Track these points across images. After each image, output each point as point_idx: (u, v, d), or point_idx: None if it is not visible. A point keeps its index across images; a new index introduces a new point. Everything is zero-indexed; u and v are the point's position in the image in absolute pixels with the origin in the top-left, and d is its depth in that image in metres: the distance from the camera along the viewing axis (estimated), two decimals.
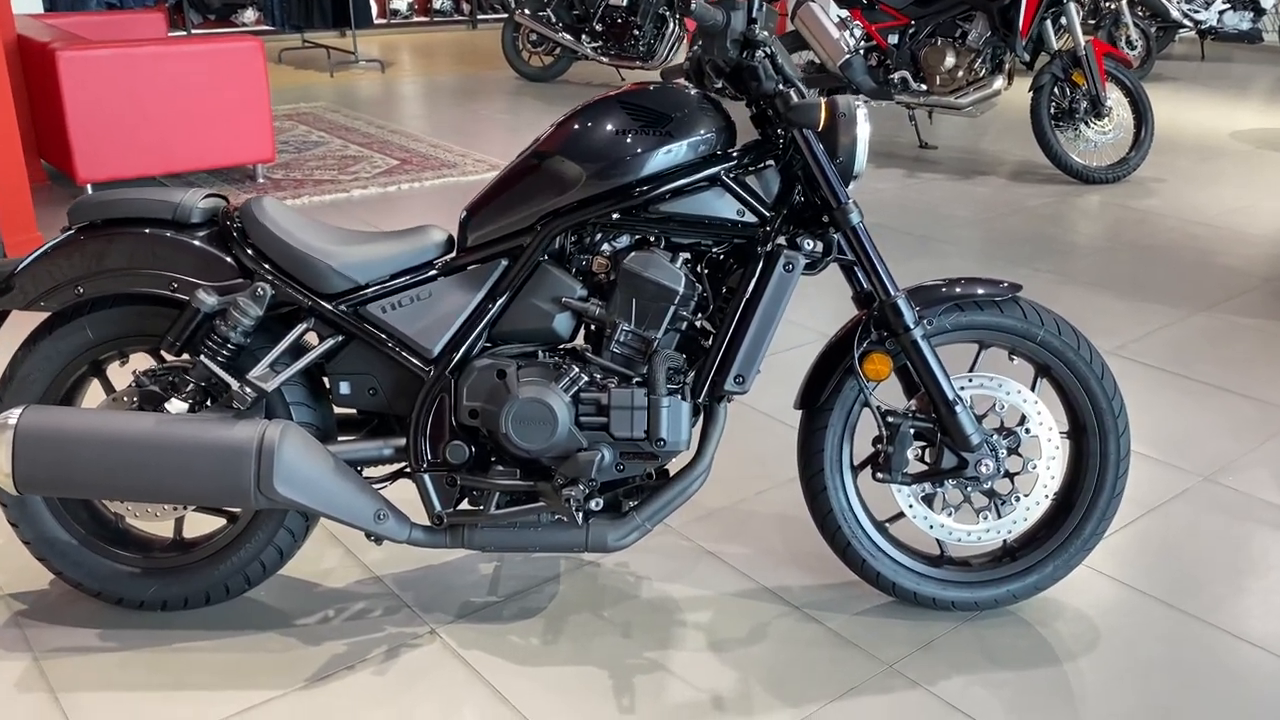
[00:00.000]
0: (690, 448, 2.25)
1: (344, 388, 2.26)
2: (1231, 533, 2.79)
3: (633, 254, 2.18)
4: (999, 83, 6.44)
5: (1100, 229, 5.45)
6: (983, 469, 2.29)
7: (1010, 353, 2.39)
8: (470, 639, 2.33)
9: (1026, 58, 6.41)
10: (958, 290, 2.30)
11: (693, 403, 2.20)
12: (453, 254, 2.27)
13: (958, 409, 2.25)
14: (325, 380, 2.29)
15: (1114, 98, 6.28)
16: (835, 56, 6.96)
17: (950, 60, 6.50)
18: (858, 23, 6.70)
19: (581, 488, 2.13)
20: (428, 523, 2.25)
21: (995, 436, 2.33)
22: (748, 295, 2.19)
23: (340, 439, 2.28)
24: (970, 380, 2.33)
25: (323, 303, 2.20)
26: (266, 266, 2.19)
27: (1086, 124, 6.29)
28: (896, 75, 6.63)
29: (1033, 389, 2.37)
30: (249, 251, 2.19)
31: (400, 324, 2.21)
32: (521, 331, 2.22)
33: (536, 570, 2.57)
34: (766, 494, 2.92)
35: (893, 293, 2.23)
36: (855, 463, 2.42)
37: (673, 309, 2.18)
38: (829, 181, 2.18)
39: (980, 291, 2.30)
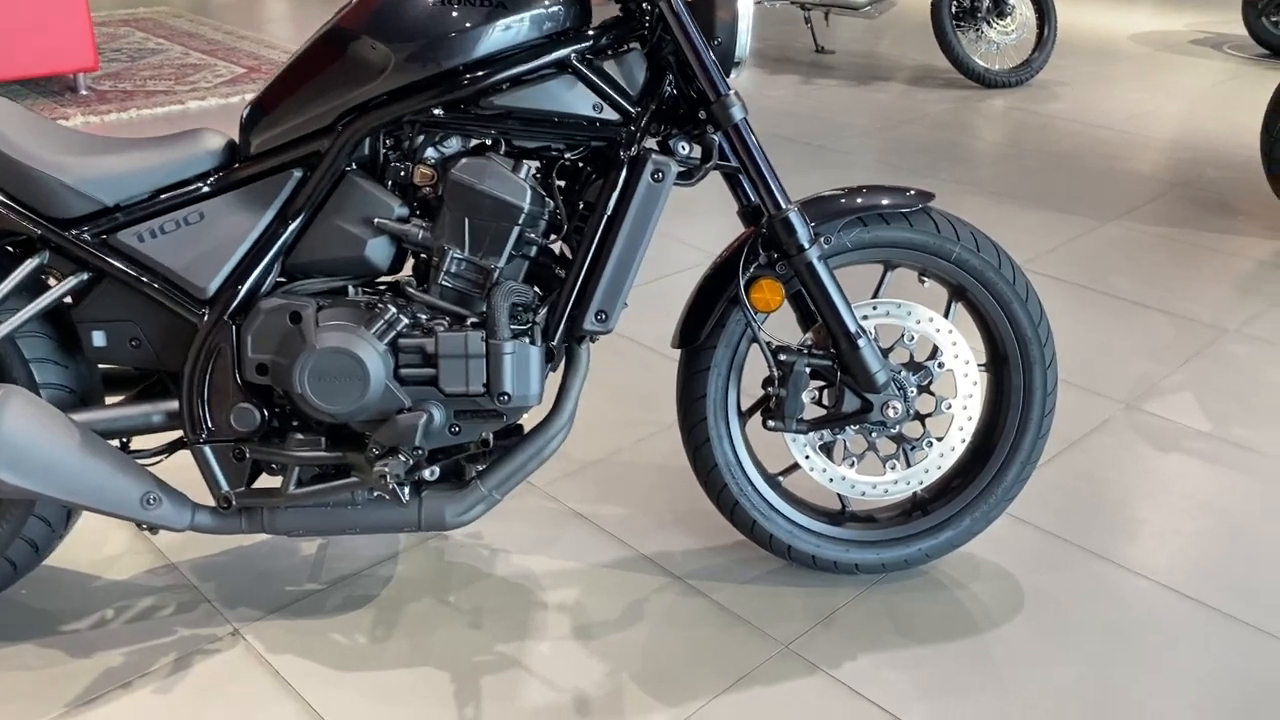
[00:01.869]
0: (546, 400, 1.85)
1: (98, 339, 1.78)
2: (1160, 468, 2.51)
3: (463, 161, 1.73)
4: None
5: (1003, 135, 5.15)
6: (890, 412, 1.94)
7: (921, 274, 2.03)
8: (281, 640, 1.91)
9: None
10: (859, 201, 1.92)
11: (545, 346, 1.78)
12: (235, 165, 1.79)
13: (860, 342, 1.89)
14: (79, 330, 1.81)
15: None
16: None
17: None
18: None
19: (403, 458, 1.71)
20: (215, 504, 1.80)
21: (904, 373, 1.98)
22: (609, 212, 1.77)
23: (110, 404, 1.81)
24: (875, 308, 1.97)
25: (59, 231, 1.70)
26: None
27: (989, 24, 5.96)
28: None
29: (946, 316, 2.02)
30: None
31: (163, 256, 1.73)
32: (325, 263, 1.77)
33: (371, 549, 2.16)
34: (648, 442, 2.54)
35: (783, 205, 1.84)
36: (743, 409, 2.05)
37: (517, 230, 1.75)
38: (705, 68, 1.76)
39: (885, 202, 1.92)
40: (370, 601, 2.01)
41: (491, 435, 1.84)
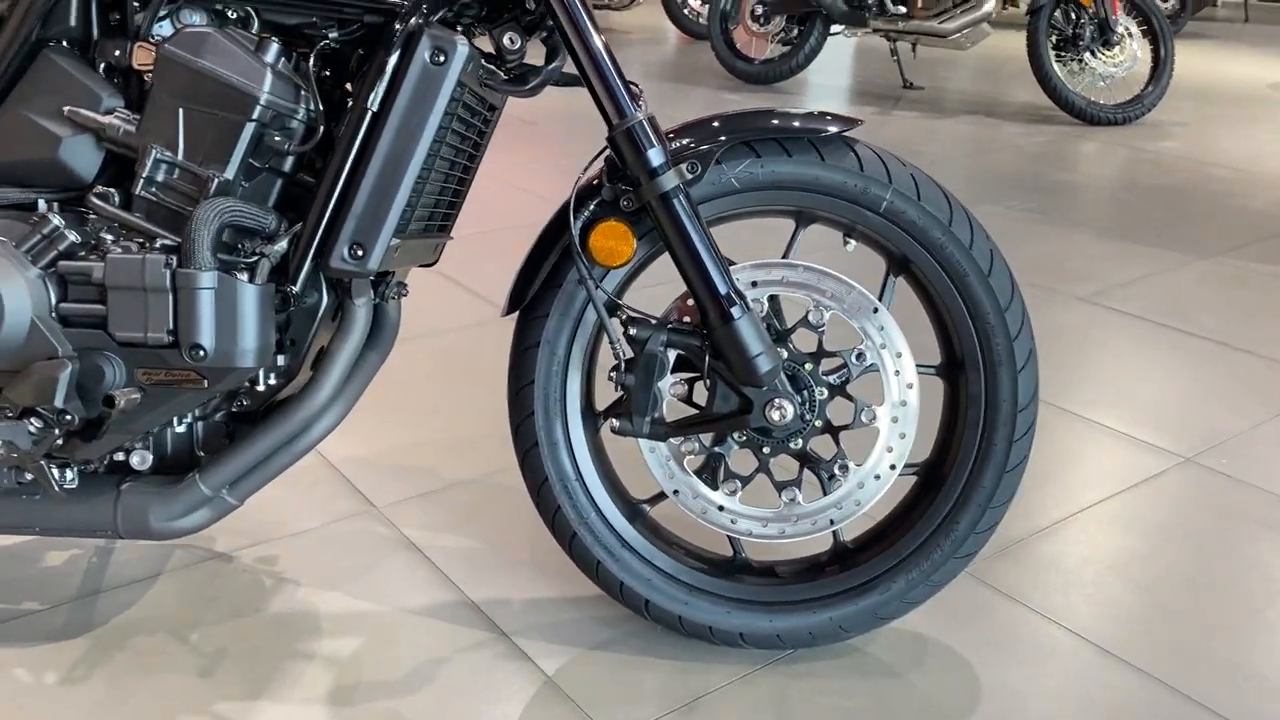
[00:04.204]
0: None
1: None
2: (1221, 540, 1.84)
3: (181, 33, 1.28)
4: (990, 4, 5.46)
5: (1097, 168, 4.47)
6: (774, 414, 1.37)
7: (846, 233, 1.46)
8: None
9: None
10: (749, 124, 1.39)
11: (277, 289, 1.30)
12: None
13: (735, 312, 1.33)
14: None
15: (1127, 26, 5.29)
16: None
17: None
18: None
19: (34, 424, 1.23)
20: None
21: (807, 366, 1.41)
22: (373, 109, 1.28)
23: None
24: (770, 271, 1.41)
25: None
26: None
27: (1093, 54, 5.31)
28: None
29: (881, 294, 1.45)
30: None
31: None
32: (9, 166, 1.33)
33: (137, 564, 1.69)
34: None
35: (629, 114, 1.32)
36: (594, 405, 1.52)
37: (252, 128, 1.27)
38: None
39: (788, 125, 1.38)
40: (91, 630, 1.53)
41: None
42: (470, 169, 1.48)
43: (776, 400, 1.36)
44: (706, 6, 7.91)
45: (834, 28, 5.94)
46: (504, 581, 1.66)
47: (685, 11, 8.05)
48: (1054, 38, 5.30)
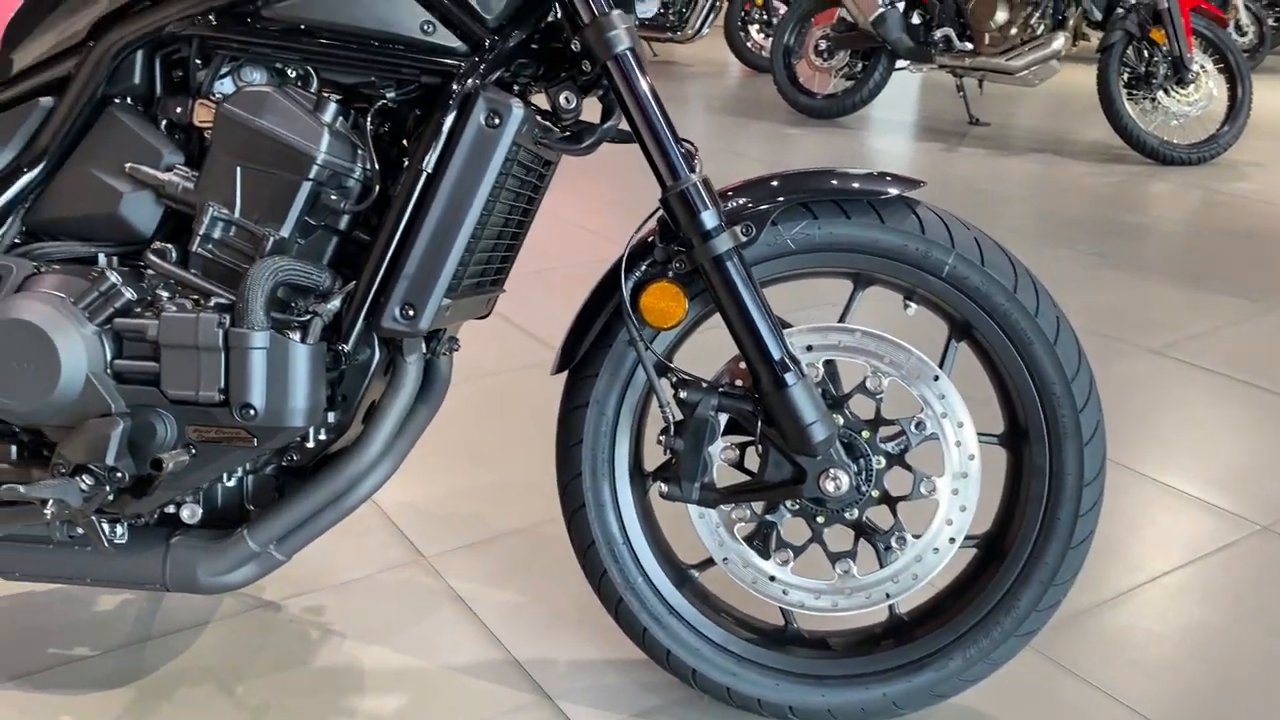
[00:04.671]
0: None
1: None
2: None
3: (240, 92, 1.29)
4: (1059, 42, 5.37)
5: (1170, 211, 4.36)
6: (828, 485, 1.33)
7: (907, 296, 1.43)
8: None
9: (1098, 14, 5.34)
10: (806, 185, 1.36)
11: (329, 348, 1.29)
12: None
13: (789, 379, 1.30)
14: None
15: (1202, 63, 5.16)
16: (867, 11, 5.96)
17: (1002, 15, 5.46)
18: None
19: (85, 480, 1.23)
20: None
21: (864, 434, 1.37)
22: (428, 169, 1.27)
23: None
24: (825, 336, 1.38)
25: None
26: None
27: (1166, 92, 5.18)
28: (939, 33, 5.61)
29: (942, 361, 1.41)
30: None
31: None
32: (74, 221, 1.35)
33: (186, 611, 1.69)
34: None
35: (682, 176, 1.30)
36: (643, 466, 1.49)
37: (308, 188, 1.28)
38: None
39: (847, 186, 1.35)
40: (140, 679, 1.53)
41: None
42: (524, 224, 1.47)
43: (831, 470, 1.32)
44: (769, 40, 7.91)
45: (899, 63, 5.89)
46: (549, 640, 1.64)
47: (748, 44, 8.06)
48: (1125, 75, 5.19)
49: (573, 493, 1.44)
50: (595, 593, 1.47)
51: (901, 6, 5.73)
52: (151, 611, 1.68)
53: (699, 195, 1.28)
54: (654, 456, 1.46)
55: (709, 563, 1.47)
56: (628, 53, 1.28)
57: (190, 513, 1.37)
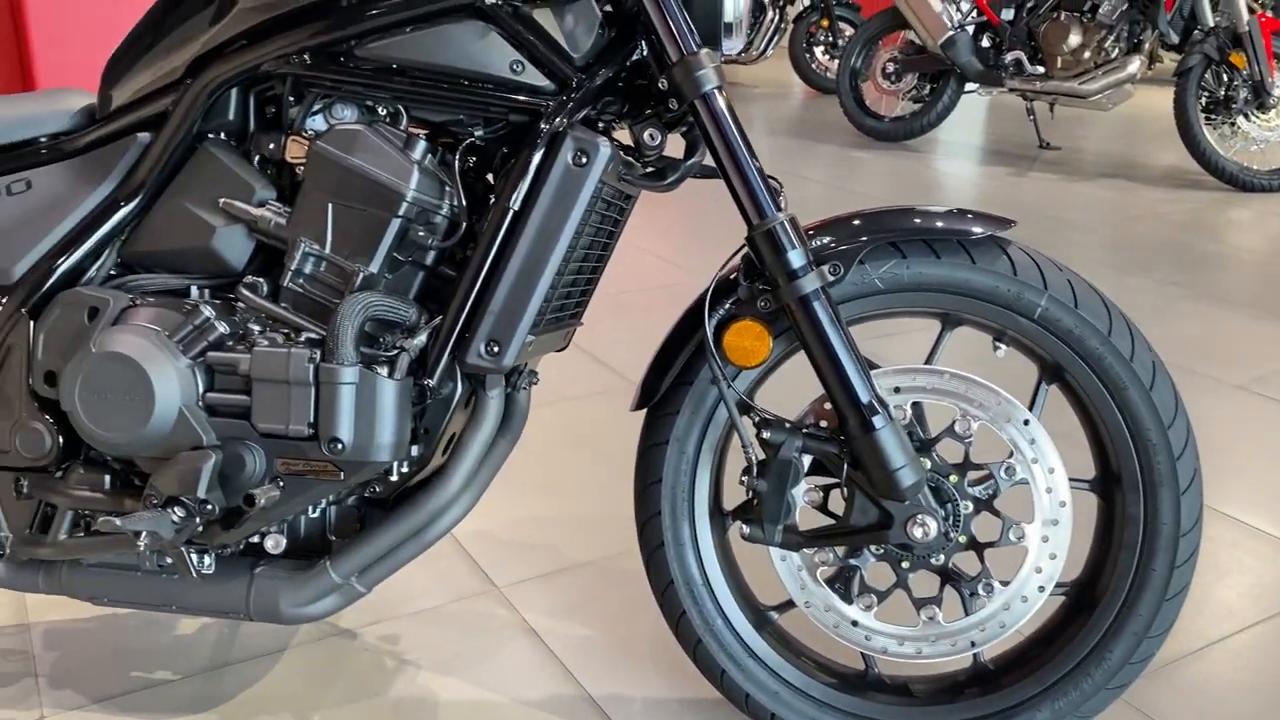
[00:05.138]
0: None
1: None
2: None
3: (333, 129, 1.31)
4: (1134, 65, 5.28)
5: (1251, 240, 4.25)
6: (916, 531, 1.30)
7: (996, 337, 1.40)
8: None
9: (1174, 36, 5.24)
10: (896, 224, 1.34)
11: (415, 383, 1.30)
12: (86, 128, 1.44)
13: (877, 422, 1.28)
14: None
15: None
16: (936, 33, 5.90)
17: (1076, 38, 5.38)
18: None
19: (177, 512, 1.25)
20: None
21: (953, 478, 1.34)
22: (514, 207, 1.28)
23: None
24: (914, 378, 1.35)
25: None
26: None
27: (1246, 117, 5.07)
28: (1009, 56, 5.55)
29: (1033, 403, 1.37)
30: None
31: None
32: (167, 254, 1.37)
33: (263, 637, 1.71)
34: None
35: (769, 215, 1.29)
36: (722, 505, 1.47)
37: (397, 224, 1.29)
38: (666, 15, 1.26)
39: (937, 225, 1.33)
40: (219, 705, 1.55)
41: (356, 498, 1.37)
42: (604, 258, 1.47)
43: (919, 516, 1.30)
44: (834, 61, 7.88)
45: (968, 86, 5.82)
46: (624, 676, 1.63)
47: (812, 65, 8.03)
48: (1204, 99, 5.08)
49: (651, 531, 1.43)
50: (673, 633, 1.45)
51: (971, 29, 5.67)
52: (230, 637, 1.70)
53: (786, 234, 1.27)
54: (733, 495, 1.45)
55: (788, 605, 1.45)
56: (715, 91, 1.28)
57: (274, 543, 1.39)
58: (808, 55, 8.00)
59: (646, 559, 1.45)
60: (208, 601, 1.38)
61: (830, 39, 7.89)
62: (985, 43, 5.70)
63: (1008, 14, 5.62)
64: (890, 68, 6.05)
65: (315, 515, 1.41)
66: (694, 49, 1.27)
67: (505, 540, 1.99)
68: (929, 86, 6.01)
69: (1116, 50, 5.33)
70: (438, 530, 1.39)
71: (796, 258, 1.27)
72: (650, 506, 1.43)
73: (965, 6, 5.65)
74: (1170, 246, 4.10)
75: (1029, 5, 5.53)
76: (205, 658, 1.65)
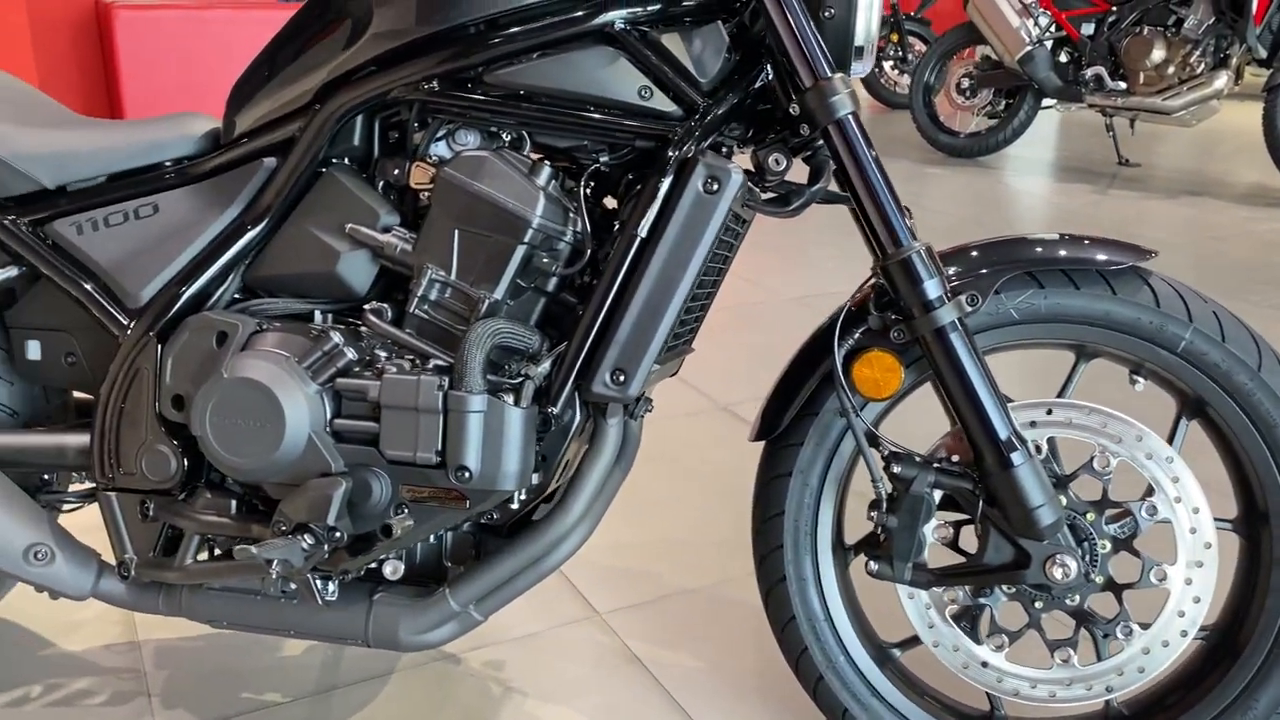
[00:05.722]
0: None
1: (32, 350, 1.47)
2: None
3: (460, 156, 1.30)
4: (1221, 81, 5.15)
5: None
6: (1056, 572, 1.26)
7: (1133, 370, 1.35)
8: None
9: (1262, 52, 5.11)
10: (1033, 253, 1.30)
11: (539, 411, 1.28)
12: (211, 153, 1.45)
13: (1016, 459, 1.24)
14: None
15: None
16: (1014, 49, 5.81)
17: (1159, 53, 5.27)
18: (1044, 10, 5.57)
19: (307, 540, 1.24)
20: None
21: (1090, 516, 1.30)
22: (641, 234, 1.26)
23: (20, 430, 1.49)
24: (1049, 412, 1.31)
25: None
26: None
27: None
28: (1090, 72, 5.44)
29: (1172, 438, 1.32)
30: None
31: (98, 252, 1.40)
32: (291, 278, 1.37)
33: (367, 661, 1.70)
34: None
35: (904, 244, 1.26)
36: (844, 539, 1.44)
37: (522, 251, 1.28)
38: (800, 40, 1.24)
39: (1073, 254, 1.29)
40: None
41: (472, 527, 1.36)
42: (718, 284, 1.45)
43: (1059, 556, 1.25)
44: (902, 76, 7.81)
45: (1045, 101, 5.73)
46: (733, 709, 1.59)
47: (881, 80, 7.97)
48: None
49: (772, 565, 1.40)
50: (793, 669, 1.42)
51: (1049, 44, 5.58)
52: (335, 660, 1.70)
53: (924, 263, 1.24)
54: (854, 528, 1.42)
55: (910, 642, 1.41)
56: (849, 117, 1.25)
57: (393, 569, 1.38)
58: (876, 70, 7.94)
59: (766, 593, 1.42)
60: (327, 627, 1.37)
61: (899, 54, 7.82)
62: (1064, 58, 5.61)
63: (1088, 28, 5.52)
64: (965, 83, 5.97)
65: (432, 541, 1.40)
66: (827, 74, 1.24)
67: (603, 565, 1.97)
68: (1004, 102, 5.92)
69: (1202, 65, 5.21)
70: (556, 559, 1.37)
71: (933, 288, 1.24)
72: (772, 540, 1.40)
73: (1044, 21, 5.56)
74: (1266, 267, 3.98)
75: (1110, 19, 5.43)
76: (313, 680, 1.65)
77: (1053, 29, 5.58)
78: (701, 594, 1.89)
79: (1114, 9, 5.42)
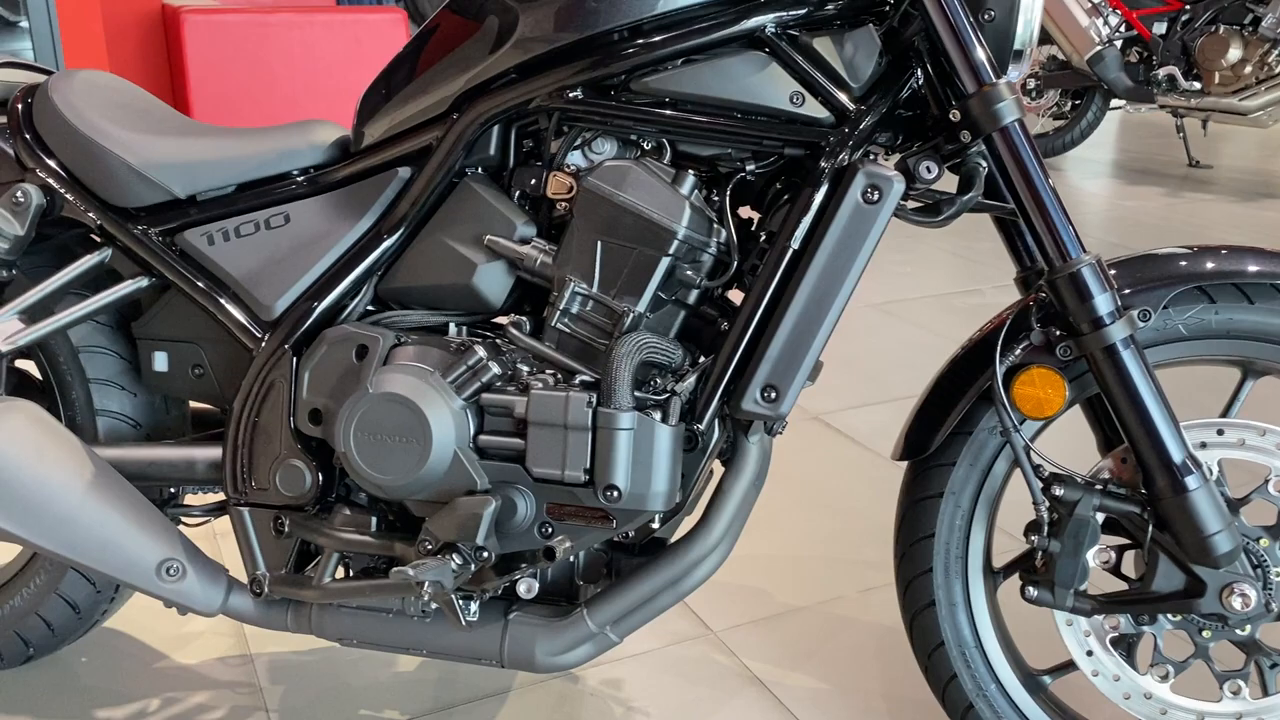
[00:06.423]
0: (697, 510, 1.32)
1: (159, 361, 1.45)
2: None
3: (603, 165, 1.26)
4: None
5: None
6: (1234, 601, 1.20)
7: None
8: None
9: None
10: (1204, 265, 1.24)
11: (686, 428, 1.24)
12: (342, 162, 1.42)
13: (1191, 483, 1.18)
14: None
15: None
16: (1083, 49, 5.70)
17: (1235, 52, 5.14)
18: (1114, 9, 5.46)
19: (456, 560, 1.21)
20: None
21: (1265, 541, 1.24)
22: (794, 245, 1.22)
23: (153, 444, 1.47)
24: (1221, 433, 1.25)
25: (119, 222, 1.40)
26: (53, 164, 1.42)
27: None
28: (1162, 72, 5.33)
29: None
30: (26, 138, 1.43)
31: (230, 263, 1.38)
32: (426, 290, 1.34)
33: (481, 680, 1.67)
34: (880, 592, 1.89)
35: (1073, 256, 1.20)
36: (996, 564, 1.39)
37: (666, 263, 1.24)
38: (963, 45, 1.19)
39: (1248, 268, 1.23)
40: None
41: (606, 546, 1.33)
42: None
43: (1237, 585, 1.19)
44: None
45: (1114, 102, 5.62)
46: None
47: None
48: None
49: (919, 589, 1.35)
50: (938, 697, 1.37)
51: (1119, 44, 5.47)
52: (451, 676, 1.67)
53: (1095, 277, 1.18)
54: (1000, 550, 1.36)
55: (1063, 668, 1.36)
56: (1016, 124, 1.20)
57: (527, 587, 1.34)
58: None
59: (911, 617, 1.37)
60: (462, 647, 1.34)
61: None
62: (1134, 58, 5.49)
63: (1160, 28, 5.40)
64: (1031, 84, 5.86)
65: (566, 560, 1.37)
66: (992, 79, 1.19)
67: (715, 582, 1.93)
68: (1071, 103, 5.81)
69: None
70: (695, 580, 1.33)
71: (1105, 303, 1.18)
72: (919, 563, 1.35)
73: (1114, 20, 5.45)
74: None
75: (1184, 18, 5.31)
76: (430, 697, 1.62)
77: (1123, 28, 5.47)
78: (813, 612, 1.84)
79: (1187, 7, 5.30)
